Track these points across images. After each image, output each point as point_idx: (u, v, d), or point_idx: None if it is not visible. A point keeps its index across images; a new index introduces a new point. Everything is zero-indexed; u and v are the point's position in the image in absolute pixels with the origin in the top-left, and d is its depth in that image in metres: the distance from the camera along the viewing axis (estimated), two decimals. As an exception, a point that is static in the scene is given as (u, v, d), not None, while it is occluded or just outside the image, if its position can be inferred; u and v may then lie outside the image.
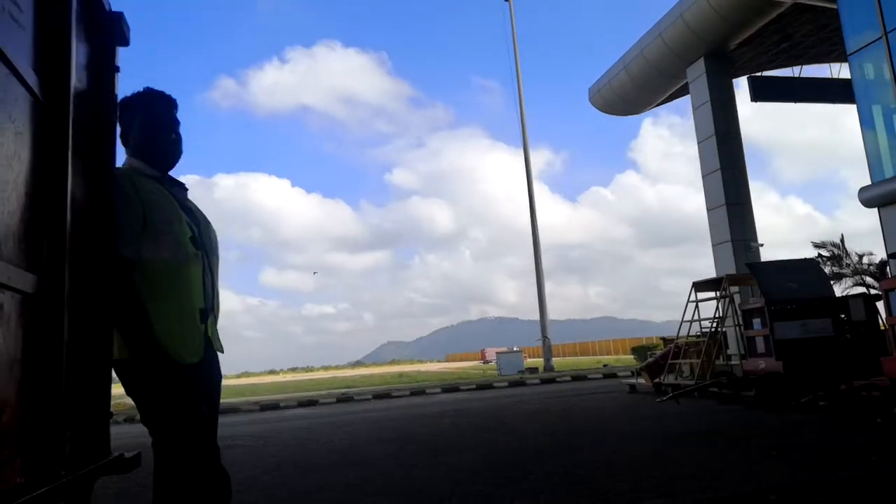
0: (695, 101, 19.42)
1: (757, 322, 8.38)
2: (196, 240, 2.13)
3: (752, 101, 20.36)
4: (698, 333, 11.15)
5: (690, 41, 18.40)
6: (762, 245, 18.65)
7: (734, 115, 19.18)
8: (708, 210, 19.10)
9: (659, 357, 11.53)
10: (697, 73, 19.10)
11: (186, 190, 2.32)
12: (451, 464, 5.58)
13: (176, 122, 2.30)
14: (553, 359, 34.96)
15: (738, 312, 10.02)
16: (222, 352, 2.27)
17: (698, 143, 19.38)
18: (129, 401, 2.07)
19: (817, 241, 21.85)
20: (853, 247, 21.37)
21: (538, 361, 33.31)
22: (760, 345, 8.36)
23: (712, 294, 10.90)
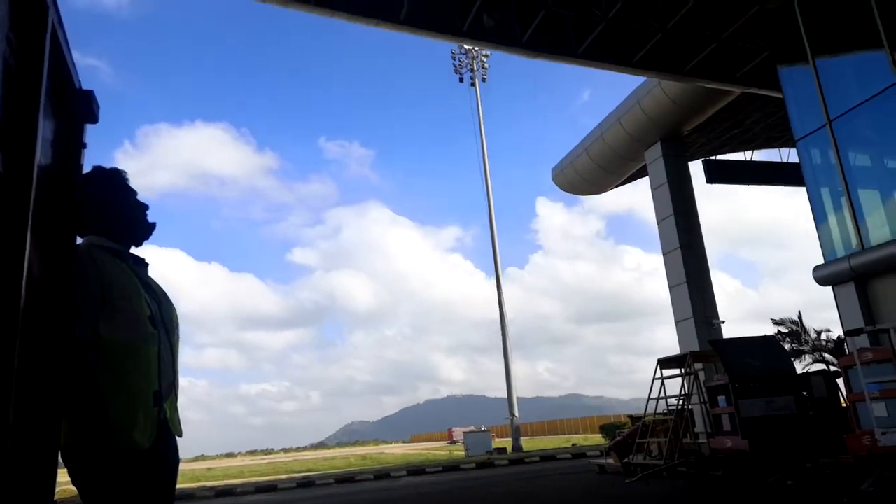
0: (653, 182, 20.16)
1: (722, 399, 8.41)
2: (154, 318, 2.08)
3: (707, 182, 21.23)
4: (665, 411, 11.13)
5: (647, 126, 19.29)
6: (724, 322, 18.99)
7: (691, 195, 19.91)
8: (670, 287, 19.46)
9: (626, 436, 11.42)
10: (655, 156, 19.92)
11: (147, 266, 2.29)
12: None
13: (136, 194, 2.29)
14: (522, 437, 34.34)
15: (703, 389, 10.07)
16: (180, 435, 2.17)
17: (658, 222, 19.97)
18: (73, 488, 1.94)
19: (775, 317, 22.37)
20: (811, 323, 21.91)
21: (506, 441, 32.61)
22: (726, 422, 8.36)
23: (677, 371, 10.96)
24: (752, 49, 14.17)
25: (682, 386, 10.46)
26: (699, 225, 19.87)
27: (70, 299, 1.93)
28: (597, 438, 36.08)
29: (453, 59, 32.64)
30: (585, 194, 26.28)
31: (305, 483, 17.19)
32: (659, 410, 11.19)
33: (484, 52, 31.97)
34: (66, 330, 1.89)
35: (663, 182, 19.59)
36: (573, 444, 32.52)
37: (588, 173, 23.34)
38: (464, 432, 36.68)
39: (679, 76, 14.56)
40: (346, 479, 17.43)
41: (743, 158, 22.40)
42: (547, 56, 13.03)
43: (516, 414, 33.16)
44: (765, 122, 19.83)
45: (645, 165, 20.77)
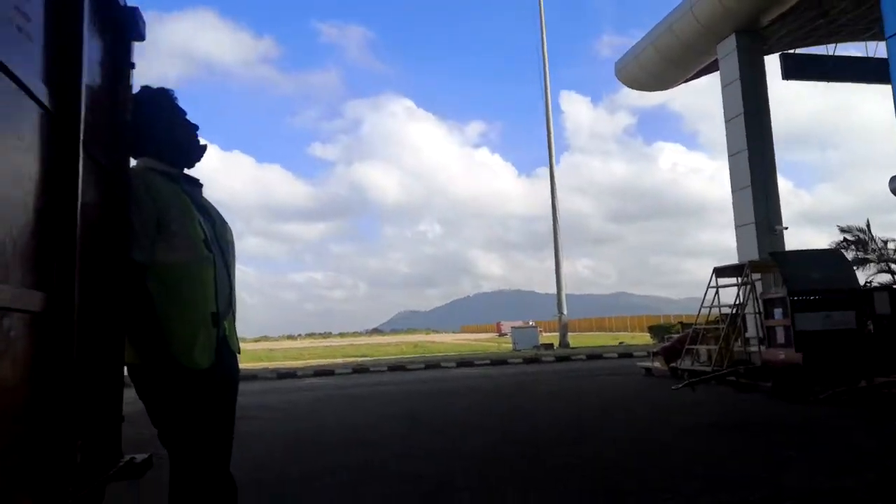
0: (724, 78, 18.94)
1: (778, 312, 8.25)
2: (209, 242, 2.10)
3: (783, 79, 19.77)
4: (717, 318, 11.03)
5: (721, 16, 17.86)
6: (786, 228, 18.34)
7: (764, 93, 18.67)
8: (733, 191, 18.74)
9: (675, 341, 11.45)
10: (728, 50, 18.57)
11: (201, 186, 2.29)
12: (463, 450, 5.60)
13: (185, 114, 2.25)
14: (569, 334, 34.94)
15: (759, 301, 9.89)
16: (238, 352, 2.25)
17: (726, 121, 18.95)
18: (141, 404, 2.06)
19: (841, 224, 21.39)
20: (877, 232, 20.93)
21: (554, 336, 33.24)
22: (780, 335, 8.24)
23: (733, 280, 10.75)
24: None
25: (738, 295, 10.29)
26: (770, 126, 18.76)
27: (125, 224, 1.96)
28: (644, 338, 36.33)
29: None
30: (649, 90, 24.99)
31: (360, 369, 18.11)
32: (711, 318, 11.12)
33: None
34: (123, 254, 1.93)
35: (735, 79, 18.37)
36: (620, 343, 32.98)
37: (654, 67, 22.05)
38: (512, 327, 37.60)
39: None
40: (398, 366, 18.25)
41: (824, 53, 20.66)
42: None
43: (564, 312, 33.62)
44: (853, 11, 18.05)
45: (715, 60, 19.45)
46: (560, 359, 19.47)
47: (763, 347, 9.01)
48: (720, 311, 10.82)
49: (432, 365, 18.36)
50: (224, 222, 2.29)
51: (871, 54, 20.53)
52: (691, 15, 18.76)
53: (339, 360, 27.05)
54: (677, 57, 20.64)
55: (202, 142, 2.26)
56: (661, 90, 24.81)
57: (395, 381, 14.57)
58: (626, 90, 25.61)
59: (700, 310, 10.92)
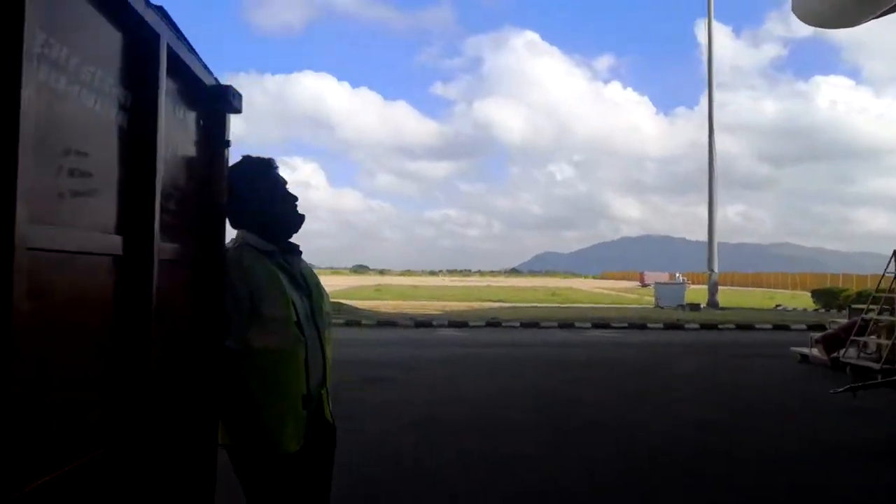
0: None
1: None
2: (301, 323, 2.04)
3: None
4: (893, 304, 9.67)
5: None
6: None
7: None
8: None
9: (839, 330, 10.23)
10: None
11: (300, 254, 2.23)
12: (583, 454, 5.41)
13: (285, 184, 2.19)
14: (721, 288, 32.61)
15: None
16: (332, 422, 2.22)
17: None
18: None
19: None
20: None
21: (702, 292, 31.23)
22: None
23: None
24: None
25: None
26: None
27: (220, 309, 1.94)
28: (806, 299, 33.10)
29: None
30: (830, 27, 21.86)
31: (493, 323, 18.32)
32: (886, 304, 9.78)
33: None
34: (218, 341, 1.92)
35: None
36: (777, 306, 30.48)
37: (841, 1, 19.24)
38: (656, 282, 35.93)
39: None
40: (531, 324, 18.22)
41: None
42: None
43: (715, 269, 31.55)
44: None
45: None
46: (706, 326, 18.35)
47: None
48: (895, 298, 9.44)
49: (566, 325, 18.10)
50: (321, 291, 2.22)
51: None
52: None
53: (476, 306, 27.64)
54: (871, -11, 17.81)
55: (300, 213, 2.19)
56: (846, 27, 21.64)
57: (527, 341, 14.55)
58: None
59: (871, 296, 9.62)
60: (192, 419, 1.87)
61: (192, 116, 1.86)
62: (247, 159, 2.18)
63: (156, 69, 1.49)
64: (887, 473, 5.04)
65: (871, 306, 9.73)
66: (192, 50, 1.74)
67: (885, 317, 9.38)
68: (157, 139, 1.50)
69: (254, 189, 2.12)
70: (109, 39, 1.36)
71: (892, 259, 9.50)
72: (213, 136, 1.98)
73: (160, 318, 1.55)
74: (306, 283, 2.20)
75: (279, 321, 2.00)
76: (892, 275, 9.45)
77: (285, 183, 2.19)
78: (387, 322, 18.67)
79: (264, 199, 2.13)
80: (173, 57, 1.59)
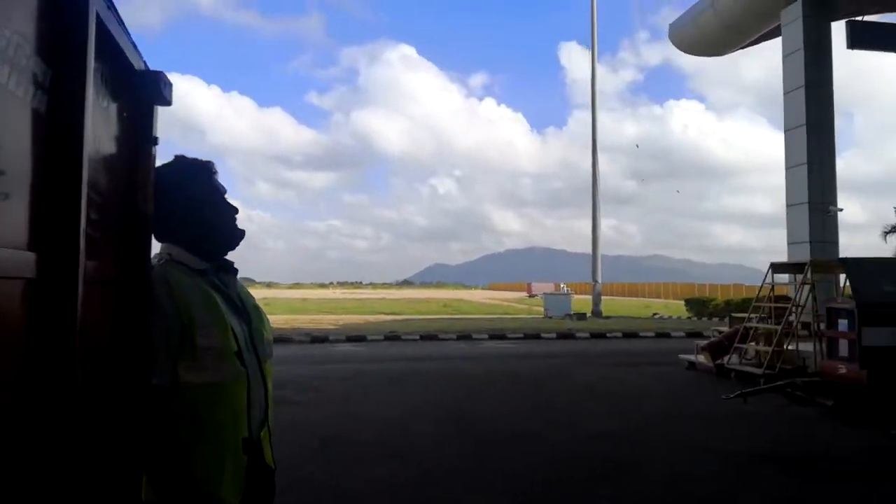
0: (786, 47, 17.72)
1: (843, 323, 7.67)
2: (242, 351, 1.74)
3: (848, 48, 18.42)
4: (768, 314, 10.43)
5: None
6: (841, 210, 17.40)
7: (828, 64, 17.46)
8: (786, 168, 17.77)
9: (723, 338, 10.91)
10: (793, 17, 17.33)
11: (235, 272, 1.92)
12: (497, 468, 5.33)
13: (225, 192, 1.88)
14: (602, 299, 34.22)
15: (815, 300, 9.31)
16: (273, 467, 1.92)
17: (784, 93, 17.83)
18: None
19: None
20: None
21: (586, 301, 32.64)
22: (843, 347, 7.70)
23: (786, 278, 10.13)
24: None
25: (796, 297, 9.68)
26: (832, 99, 17.61)
27: (145, 340, 1.60)
28: (680, 308, 35.46)
29: None
30: (703, 55, 23.75)
31: (392, 337, 18.05)
32: (762, 314, 10.55)
33: None
34: (142, 379, 1.58)
35: (798, 48, 17.17)
36: (654, 315, 32.37)
37: (711, 33, 20.86)
38: (544, 293, 37.16)
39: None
40: (430, 336, 18.16)
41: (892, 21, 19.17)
42: None
43: (599, 280, 33.07)
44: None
45: (774, 28, 18.20)
46: (595, 335, 19.10)
47: (821, 357, 8.48)
48: (772, 310, 10.20)
49: (464, 336, 18.20)
50: (261, 315, 1.93)
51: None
52: (757, -23, 17.54)
53: (371, 319, 27.17)
54: (739, 22, 19.46)
55: (240, 228, 1.89)
56: (716, 55, 23.55)
57: (427, 354, 14.40)
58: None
59: (752, 305, 10.34)
60: (111, 474, 1.52)
61: (114, 107, 1.52)
62: (180, 160, 1.84)
63: (84, 39, 1.17)
64: (778, 479, 5.30)
65: (752, 315, 10.45)
66: (121, 24, 1.41)
67: (764, 325, 10.09)
68: (84, 130, 1.18)
69: (187, 196, 1.78)
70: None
71: (769, 272, 10.26)
72: (140, 131, 1.64)
73: (81, 356, 1.22)
74: (244, 305, 1.89)
75: (215, 352, 1.68)
76: (770, 286, 10.20)
77: (224, 191, 1.88)
78: (280, 339, 17.82)
79: (198, 209, 1.80)
80: (102, 29, 1.27)
